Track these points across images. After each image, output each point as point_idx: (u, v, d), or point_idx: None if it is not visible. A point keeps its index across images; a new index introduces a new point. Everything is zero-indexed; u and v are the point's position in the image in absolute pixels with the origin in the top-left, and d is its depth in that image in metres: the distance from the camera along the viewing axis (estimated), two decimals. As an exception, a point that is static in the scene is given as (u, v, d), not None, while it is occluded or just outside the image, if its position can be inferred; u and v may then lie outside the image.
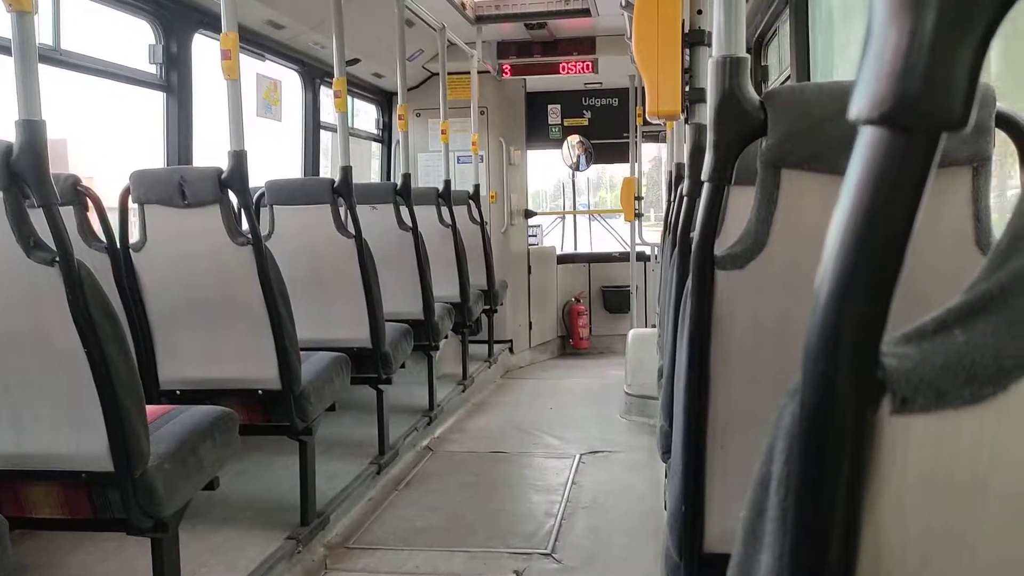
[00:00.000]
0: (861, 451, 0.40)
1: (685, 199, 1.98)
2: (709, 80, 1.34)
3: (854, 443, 0.40)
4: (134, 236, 2.97)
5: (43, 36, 3.26)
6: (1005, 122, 1.27)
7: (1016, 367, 0.39)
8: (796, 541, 0.43)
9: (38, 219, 1.91)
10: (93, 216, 2.91)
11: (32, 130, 1.86)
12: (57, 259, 1.89)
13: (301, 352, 2.99)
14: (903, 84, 0.36)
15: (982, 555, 0.42)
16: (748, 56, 1.30)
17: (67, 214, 2.80)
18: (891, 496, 0.41)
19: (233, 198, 2.81)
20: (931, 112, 0.35)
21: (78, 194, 2.87)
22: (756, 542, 0.49)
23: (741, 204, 1.45)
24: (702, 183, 1.36)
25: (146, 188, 2.87)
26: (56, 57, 3.33)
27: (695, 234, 1.37)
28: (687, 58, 2.73)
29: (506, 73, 7.05)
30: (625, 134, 7.68)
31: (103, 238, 2.94)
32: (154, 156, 4.06)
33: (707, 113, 1.83)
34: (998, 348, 0.39)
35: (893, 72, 0.36)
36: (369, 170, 7.14)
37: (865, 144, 0.38)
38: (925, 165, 0.36)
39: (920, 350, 0.41)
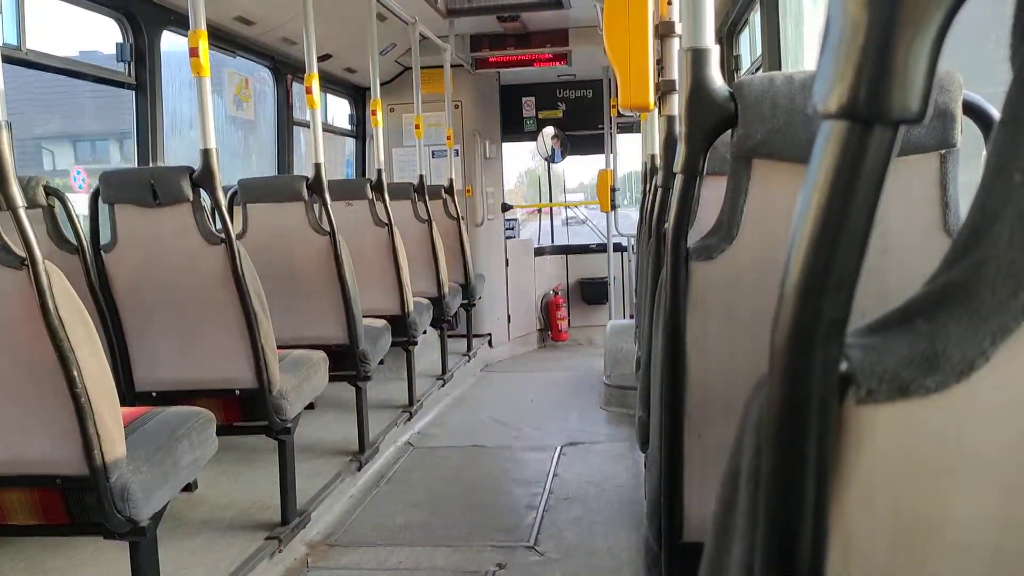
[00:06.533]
0: (828, 442, 0.41)
1: (659, 190, 1.98)
2: (678, 72, 1.34)
3: (821, 434, 0.40)
4: (105, 237, 2.93)
5: (7, 36, 3.21)
6: (971, 109, 1.28)
7: (979, 356, 0.39)
8: (767, 532, 0.43)
9: (6, 222, 1.88)
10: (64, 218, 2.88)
11: None
12: (25, 262, 1.87)
13: (278, 351, 2.97)
14: (861, 78, 0.36)
15: (950, 540, 0.43)
16: (716, 47, 1.30)
17: (37, 216, 2.76)
18: (859, 485, 0.42)
19: (205, 197, 2.78)
20: (889, 105, 0.36)
21: (47, 196, 2.83)
22: (727, 535, 0.49)
23: (716, 195, 1.46)
24: (675, 174, 1.36)
25: (116, 188, 2.83)
26: (20, 57, 3.28)
27: (668, 225, 1.37)
28: (658, 50, 2.73)
29: (479, 66, 7.02)
30: (600, 125, 7.68)
31: (73, 239, 2.90)
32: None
33: (678, 105, 1.83)
34: (961, 338, 0.40)
35: (851, 66, 0.36)
36: (343, 166, 7.09)
37: (825, 137, 0.38)
38: (884, 157, 0.37)
39: (884, 341, 0.41)
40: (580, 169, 7.32)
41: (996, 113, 1.30)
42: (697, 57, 1.27)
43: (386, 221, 4.53)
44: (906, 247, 1.18)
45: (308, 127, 3.96)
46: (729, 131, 1.32)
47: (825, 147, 0.38)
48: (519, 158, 8.26)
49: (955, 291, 0.40)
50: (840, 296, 0.38)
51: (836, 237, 0.38)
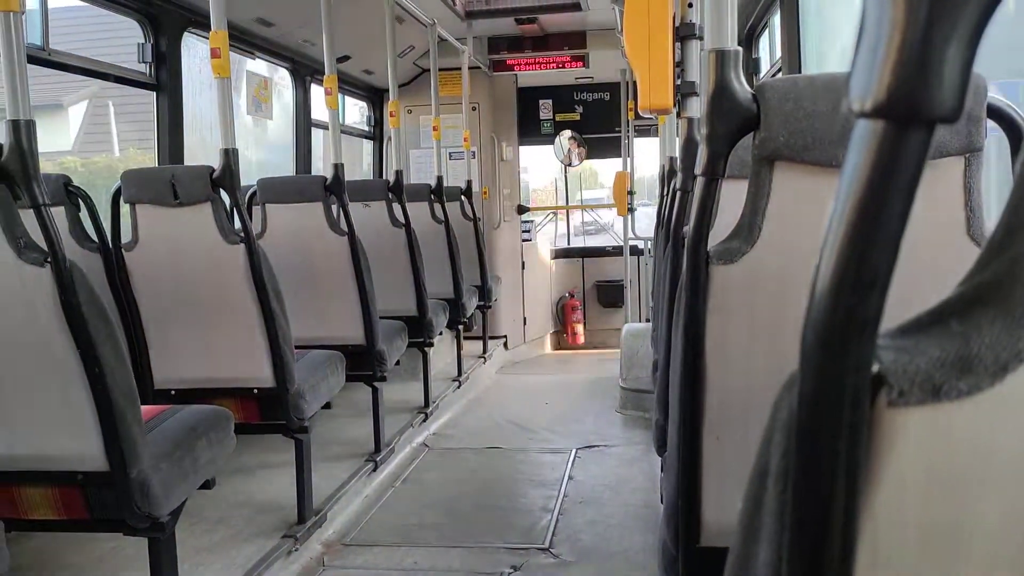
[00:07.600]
0: (859, 444, 0.40)
1: (678, 193, 1.98)
2: (700, 73, 1.34)
3: (852, 436, 0.40)
4: (126, 236, 2.96)
5: (32, 36, 3.24)
6: (996, 113, 1.27)
7: (1013, 358, 0.39)
8: (795, 534, 0.43)
9: (30, 220, 1.90)
10: (85, 216, 2.91)
11: (21, 130, 1.85)
12: (48, 260, 1.89)
13: (296, 350, 2.98)
14: (896, 76, 0.36)
15: (980, 546, 0.42)
16: (740, 49, 1.30)
17: (59, 214, 2.79)
18: (889, 488, 0.41)
19: (225, 196, 2.80)
20: (924, 104, 0.35)
21: (69, 194, 2.86)
22: (754, 536, 0.49)
23: (734, 198, 1.46)
24: (695, 177, 1.36)
25: (137, 187, 2.86)
26: (45, 57, 3.31)
27: (688, 228, 1.37)
28: (679, 52, 2.73)
29: (497, 69, 7.03)
30: (617, 128, 7.67)
31: (95, 238, 2.93)
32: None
33: (699, 107, 1.83)
34: (995, 340, 0.39)
35: (886, 64, 0.36)
36: (361, 167, 7.12)
37: (859, 136, 0.38)
38: (919, 156, 0.37)
39: (917, 343, 0.41)
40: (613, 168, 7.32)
41: (1020, 116, 1.29)
42: (720, 59, 1.27)
43: (403, 222, 4.54)
44: (930, 252, 1.17)
45: (326, 128, 3.98)
46: (748, 134, 1.32)
47: (860, 147, 0.37)
48: (554, 158, 8.23)
49: (988, 291, 0.40)
50: (873, 295, 0.38)
51: (870, 236, 0.37)
